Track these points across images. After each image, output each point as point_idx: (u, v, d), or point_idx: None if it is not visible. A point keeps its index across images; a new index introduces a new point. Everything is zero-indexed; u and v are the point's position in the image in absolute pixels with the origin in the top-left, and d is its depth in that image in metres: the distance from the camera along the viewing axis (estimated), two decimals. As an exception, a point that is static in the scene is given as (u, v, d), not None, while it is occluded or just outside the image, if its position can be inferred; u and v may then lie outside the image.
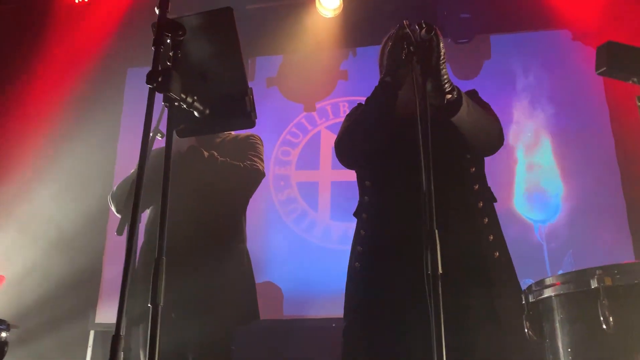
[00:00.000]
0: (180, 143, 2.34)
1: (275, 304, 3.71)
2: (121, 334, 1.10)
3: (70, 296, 3.77)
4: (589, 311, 1.08)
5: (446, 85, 1.59)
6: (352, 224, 4.18)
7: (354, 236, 1.98)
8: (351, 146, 1.95)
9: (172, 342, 2.13)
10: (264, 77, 4.24)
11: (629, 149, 3.73)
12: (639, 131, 3.61)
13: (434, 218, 1.31)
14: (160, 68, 1.28)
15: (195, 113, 1.39)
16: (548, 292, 1.18)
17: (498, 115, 1.93)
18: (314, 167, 4.00)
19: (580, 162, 3.77)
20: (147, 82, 1.27)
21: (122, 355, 1.74)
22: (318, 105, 4.13)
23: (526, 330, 1.24)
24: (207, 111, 1.40)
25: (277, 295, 3.72)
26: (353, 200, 3.92)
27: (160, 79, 1.26)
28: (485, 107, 1.87)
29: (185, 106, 1.35)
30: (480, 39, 4.11)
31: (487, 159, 1.90)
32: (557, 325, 1.17)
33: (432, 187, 1.32)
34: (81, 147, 4.09)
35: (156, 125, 1.94)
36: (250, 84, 4.02)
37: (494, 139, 1.81)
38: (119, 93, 4.37)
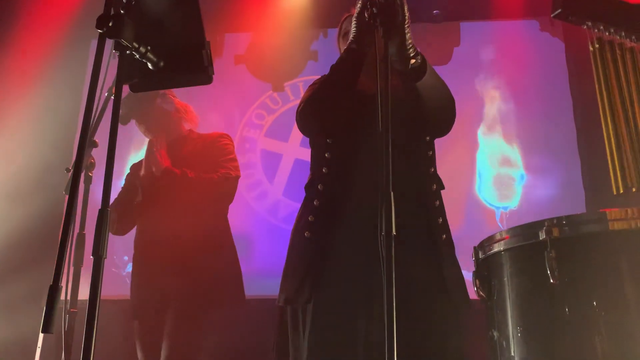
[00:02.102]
0: (153, 164, 2.47)
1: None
2: (59, 284, 1.05)
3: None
4: (536, 263, 1.09)
5: (410, 50, 1.57)
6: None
7: (302, 209, 1.94)
8: (313, 113, 1.91)
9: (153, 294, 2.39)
10: (232, 54, 4.16)
11: (589, 138, 3.81)
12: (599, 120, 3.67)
13: (390, 180, 1.30)
14: (112, 13, 1.22)
15: (149, 65, 1.33)
16: (497, 247, 1.18)
17: (467, 100, 1.93)
18: (283, 139, 3.97)
19: (542, 150, 3.83)
20: (97, 27, 1.21)
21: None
22: (287, 85, 4.09)
23: (475, 289, 1.24)
24: (162, 63, 1.34)
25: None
26: None
27: (111, 24, 1.21)
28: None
29: (137, 56, 1.30)
30: (450, 25, 4.13)
31: (450, 146, 1.90)
32: (506, 279, 1.17)
33: (390, 149, 1.30)
34: (44, 105, 3.98)
35: (110, 86, 1.88)
36: (217, 61, 3.97)
37: (450, 110, 1.80)
38: (83, 61, 4.25)
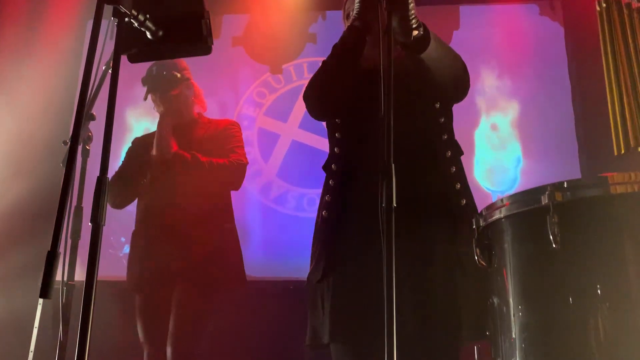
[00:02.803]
0: (164, 146, 2.48)
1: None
2: (58, 251, 1.05)
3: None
4: (538, 229, 1.08)
5: (413, 21, 1.56)
6: (293, 188, 4.13)
7: (323, 189, 1.96)
8: (317, 96, 1.91)
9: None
10: (230, 35, 4.13)
11: (588, 126, 3.80)
12: (599, 107, 3.68)
13: (392, 151, 1.29)
14: (110, -21, 1.21)
15: (148, 34, 1.32)
16: (498, 214, 1.18)
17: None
18: (282, 119, 3.94)
19: (541, 135, 3.83)
20: (96, -8, 1.19)
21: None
22: (288, 66, 4.06)
23: (476, 258, 1.24)
24: (160, 33, 1.33)
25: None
26: (304, 166, 3.87)
27: (109, -11, 1.19)
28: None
29: (136, 24, 1.28)
30: (450, 8, 4.10)
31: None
32: (506, 246, 1.17)
33: (392, 120, 1.29)
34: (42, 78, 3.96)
35: (108, 60, 1.86)
36: (215, 42, 3.89)
37: (461, 77, 1.79)
38: (80, 35, 4.22)
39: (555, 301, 1.07)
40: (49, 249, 1.05)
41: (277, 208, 3.80)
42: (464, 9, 4.14)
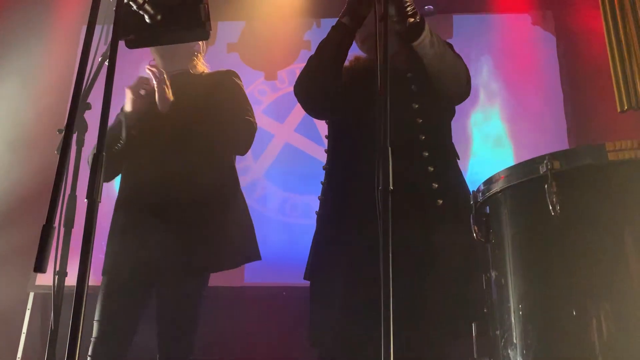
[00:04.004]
0: (162, 98, 2.17)
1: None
2: (53, 225, 1.04)
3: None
4: (536, 199, 1.08)
5: (408, 8, 1.58)
6: (279, 191, 4.04)
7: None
8: (305, 89, 1.92)
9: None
10: (225, 42, 4.16)
11: (580, 133, 3.84)
12: (590, 114, 3.72)
13: (388, 133, 1.29)
14: (110, -40, 1.21)
15: (146, 18, 1.33)
16: (495, 187, 1.18)
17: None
18: (278, 120, 3.92)
19: (533, 143, 3.85)
20: (95, -27, 1.20)
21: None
22: (281, 73, 4.08)
23: (474, 235, 1.23)
24: (159, 17, 1.33)
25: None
26: (293, 170, 3.82)
27: (109, -30, 1.20)
28: (454, 52, 1.86)
29: (135, 7, 1.29)
30: (443, 17, 4.15)
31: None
32: (504, 218, 1.17)
33: (389, 103, 1.30)
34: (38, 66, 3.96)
35: (105, 51, 1.86)
36: (210, 49, 3.87)
37: (461, 81, 1.79)
38: (78, 23, 4.21)
39: (554, 269, 1.07)
40: (44, 222, 1.04)
41: (258, 208, 3.74)
42: (457, 18, 4.20)
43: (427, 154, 1.68)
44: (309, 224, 3.72)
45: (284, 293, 3.53)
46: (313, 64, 1.84)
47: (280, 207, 3.75)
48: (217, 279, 2.21)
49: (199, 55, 2.46)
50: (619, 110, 1.27)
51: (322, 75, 1.80)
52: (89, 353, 2.03)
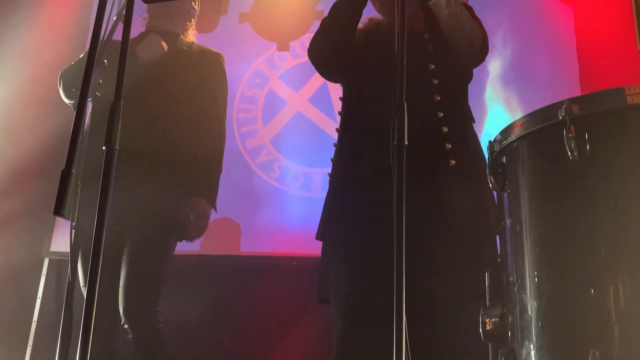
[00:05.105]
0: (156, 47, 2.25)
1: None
2: (72, 169, 1.05)
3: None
4: (554, 145, 1.08)
5: None
6: (282, 159, 4.00)
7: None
8: (318, 52, 1.92)
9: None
10: (237, 12, 4.12)
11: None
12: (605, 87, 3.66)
13: (404, 90, 1.28)
14: None
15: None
16: (513, 135, 1.18)
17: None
18: (294, 87, 3.87)
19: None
20: None
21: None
22: (293, 44, 4.05)
23: (490, 184, 1.24)
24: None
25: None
26: (300, 140, 3.79)
27: None
28: (473, 14, 1.84)
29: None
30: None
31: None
32: (521, 166, 1.16)
33: (405, 58, 1.29)
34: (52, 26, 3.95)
35: (120, 9, 1.86)
36: (222, 19, 3.85)
37: (475, 45, 1.77)
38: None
39: (570, 213, 1.07)
40: (64, 168, 1.05)
41: (259, 173, 3.69)
42: (472, -11, 4.13)
43: (442, 114, 1.68)
44: (307, 197, 3.70)
45: (294, 262, 3.55)
46: (326, 25, 1.84)
47: (282, 175, 3.68)
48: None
49: (192, 20, 2.49)
50: (638, 49, 1.25)
51: (335, 36, 1.80)
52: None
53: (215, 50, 2.49)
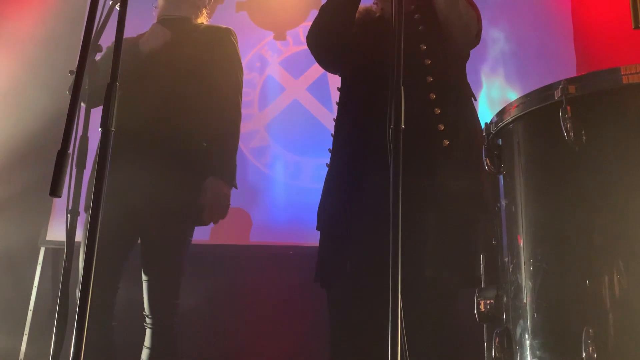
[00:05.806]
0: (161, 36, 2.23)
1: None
2: (68, 151, 1.05)
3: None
4: (550, 125, 1.09)
5: None
6: (275, 146, 3.95)
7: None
8: (316, 39, 1.92)
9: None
10: (234, 0, 4.10)
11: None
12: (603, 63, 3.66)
13: (401, 75, 1.29)
14: None
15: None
16: (509, 116, 1.18)
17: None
18: (294, 75, 3.85)
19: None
20: None
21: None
22: (290, 33, 4.03)
23: (486, 167, 1.24)
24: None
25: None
26: (295, 128, 3.76)
27: None
28: (469, 1, 1.83)
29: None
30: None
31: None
32: (516, 147, 1.16)
33: (402, 45, 1.29)
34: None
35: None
36: (218, 7, 3.83)
37: (470, 31, 1.77)
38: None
39: (566, 192, 1.07)
40: (59, 149, 1.05)
41: (251, 159, 3.66)
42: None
43: (434, 96, 1.67)
44: (298, 186, 3.67)
45: (291, 252, 3.56)
46: (326, 10, 1.84)
47: (272, 162, 3.65)
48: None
49: (203, 10, 2.46)
50: (634, 27, 1.24)
51: (334, 21, 1.79)
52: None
53: (224, 26, 2.45)
